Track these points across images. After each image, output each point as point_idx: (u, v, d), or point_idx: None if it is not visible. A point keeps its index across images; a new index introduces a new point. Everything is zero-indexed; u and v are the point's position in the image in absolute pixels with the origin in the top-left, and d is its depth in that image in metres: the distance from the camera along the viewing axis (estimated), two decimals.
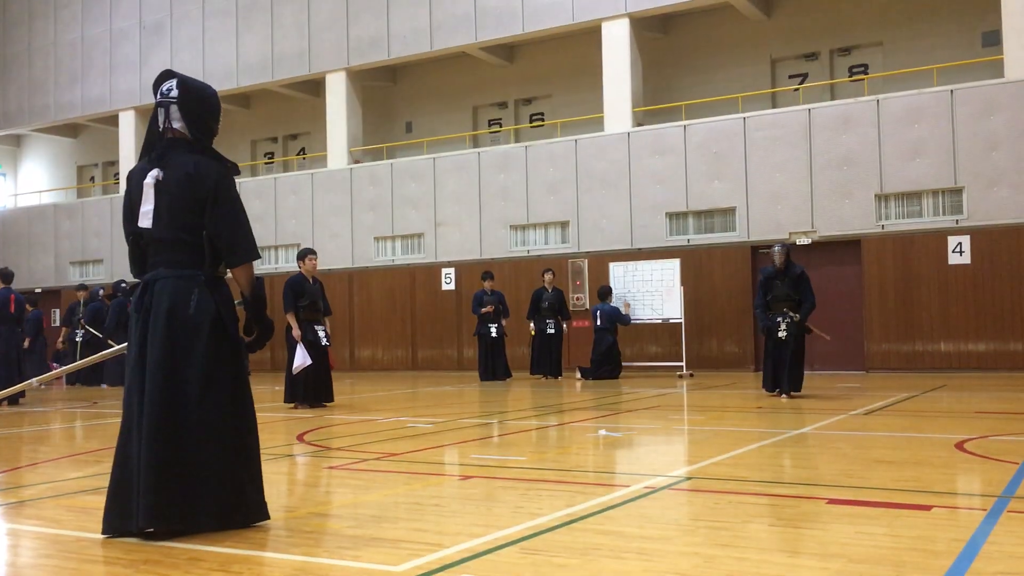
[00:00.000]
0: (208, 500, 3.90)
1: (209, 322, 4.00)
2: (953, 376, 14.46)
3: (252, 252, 4.12)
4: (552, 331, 16.05)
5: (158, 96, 4.15)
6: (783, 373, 10.61)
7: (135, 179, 4.15)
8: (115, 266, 24.02)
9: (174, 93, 4.11)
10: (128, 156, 24.59)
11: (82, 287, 18.89)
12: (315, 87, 22.81)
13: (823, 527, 3.99)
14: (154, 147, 4.13)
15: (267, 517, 4.14)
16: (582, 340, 16.74)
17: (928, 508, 4.34)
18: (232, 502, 3.97)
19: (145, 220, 4.06)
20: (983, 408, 9.49)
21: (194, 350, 3.95)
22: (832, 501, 4.52)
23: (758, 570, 3.31)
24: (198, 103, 4.16)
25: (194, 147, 4.11)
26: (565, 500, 4.75)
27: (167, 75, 4.19)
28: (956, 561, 3.35)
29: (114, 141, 25.40)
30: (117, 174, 25.65)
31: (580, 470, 5.88)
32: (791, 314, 10.58)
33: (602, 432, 7.82)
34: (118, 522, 3.94)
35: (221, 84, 23.08)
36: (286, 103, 23.88)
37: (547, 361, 16.04)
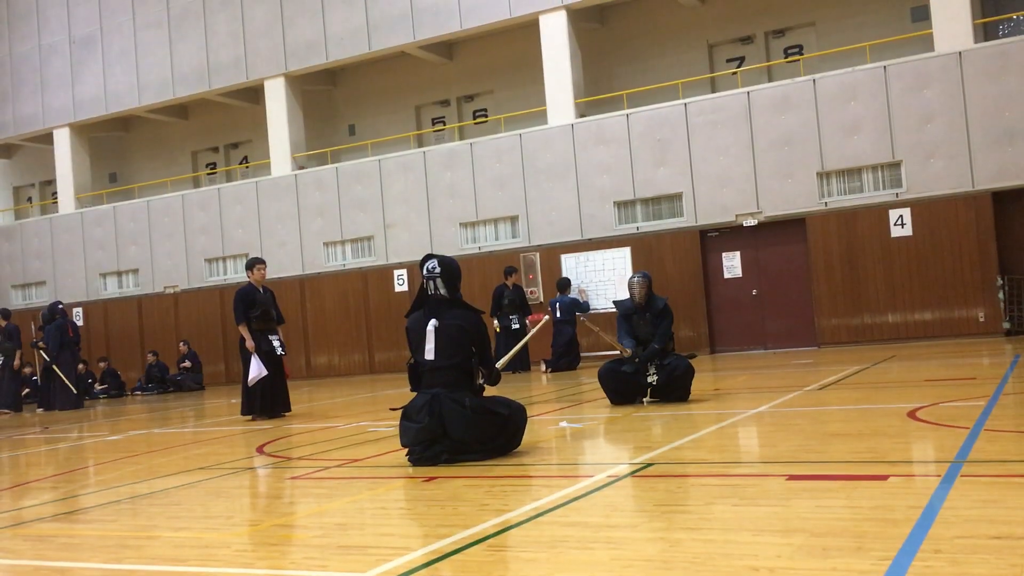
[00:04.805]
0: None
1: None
2: (902, 346, 14.77)
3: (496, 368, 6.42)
4: (517, 326, 16.10)
5: (424, 271, 6.09)
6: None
7: (417, 325, 6.09)
8: (58, 287, 23.53)
9: (437, 270, 6.05)
10: (65, 175, 24.05)
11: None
12: (254, 94, 22.54)
13: (784, 503, 4.05)
14: (425, 303, 6.10)
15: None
16: (537, 333, 16.74)
17: (885, 478, 4.43)
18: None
19: (429, 355, 6.01)
20: (932, 376, 9.70)
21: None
22: (792, 477, 4.59)
23: (723, 550, 3.35)
24: (450, 274, 6.09)
25: (454, 304, 6.08)
26: (530, 494, 4.76)
27: (429, 257, 6.14)
28: (914, 528, 3.41)
29: (50, 160, 24.83)
30: (55, 193, 25.07)
31: (544, 463, 5.90)
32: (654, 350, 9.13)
33: (563, 424, 7.85)
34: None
35: (156, 96, 22.72)
36: (225, 112, 23.54)
37: (515, 356, 16.03)
